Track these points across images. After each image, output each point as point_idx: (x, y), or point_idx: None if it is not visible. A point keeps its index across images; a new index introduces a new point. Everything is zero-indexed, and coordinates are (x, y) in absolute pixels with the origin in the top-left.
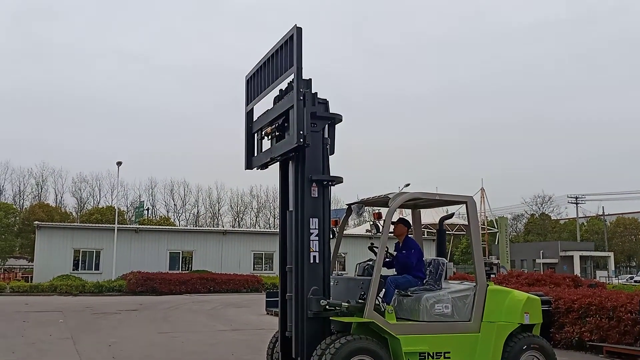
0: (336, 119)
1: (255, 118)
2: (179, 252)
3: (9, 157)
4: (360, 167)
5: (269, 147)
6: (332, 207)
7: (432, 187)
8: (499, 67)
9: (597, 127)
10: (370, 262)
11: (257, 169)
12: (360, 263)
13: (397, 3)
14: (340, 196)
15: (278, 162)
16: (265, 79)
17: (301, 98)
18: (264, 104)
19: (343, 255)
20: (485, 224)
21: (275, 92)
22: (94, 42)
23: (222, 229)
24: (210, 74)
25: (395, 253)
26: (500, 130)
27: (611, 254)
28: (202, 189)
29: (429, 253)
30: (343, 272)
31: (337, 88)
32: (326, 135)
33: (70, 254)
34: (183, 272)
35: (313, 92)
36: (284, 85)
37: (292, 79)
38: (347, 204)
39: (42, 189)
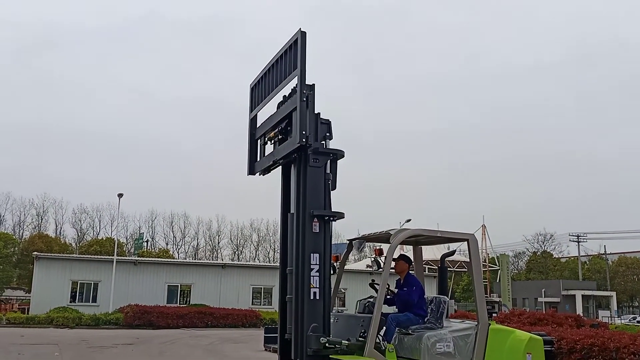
0: (338, 154)
1: (258, 125)
2: (178, 285)
3: (10, 188)
4: (361, 202)
5: (272, 151)
6: (333, 241)
7: (433, 223)
8: (499, 106)
9: (598, 165)
10: (371, 299)
11: (259, 174)
12: (361, 300)
13: (398, 46)
14: (341, 230)
15: (280, 167)
16: (269, 84)
17: (304, 99)
18: (268, 112)
19: (343, 290)
20: (487, 261)
21: (278, 99)
22: (95, 75)
23: (221, 262)
24: (211, 108)
25: (396, 290)
26: (501, 168)
27: (613, 294)
28: (202, 221)
29: (430, 290)
30: (343, 309)
31: (339, 125)
32: (328, 171)
33: (67, 286)
34: (181, 305)
35: (316, 112)
36: (287, 91)
37: (296, 84)
38: (348, 240)
39: (42, 219)
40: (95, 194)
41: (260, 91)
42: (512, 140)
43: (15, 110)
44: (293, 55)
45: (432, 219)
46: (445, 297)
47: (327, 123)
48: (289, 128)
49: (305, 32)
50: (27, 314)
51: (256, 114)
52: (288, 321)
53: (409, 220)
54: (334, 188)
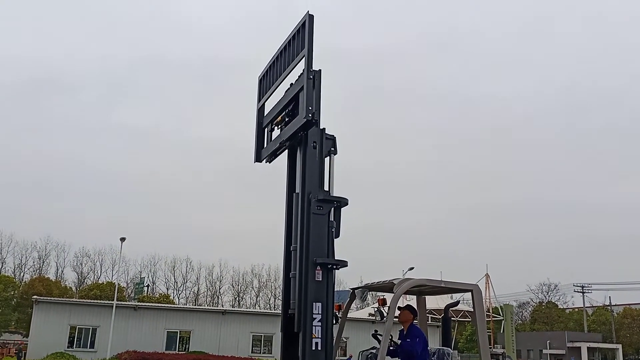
0: (342, 202)
1: (266, 114)
2: (177, 332)
3: (13, 230)
4: (362, 248)
5: (279, 135)
6: (335, 288)
7: (435, 271)
8: (497, 156)
9: (602, 215)
10: (374, 351)
11: (265, 162)
12: (364, 351)
13: (393, 95)
14: (343, 277)
15: (286, 152)
16: (276, 71)
17: (311, 77)
18: (275, 101)
19: (345, 340)
20: (491, 311)
21: (286, 86)
22: (96, 115)
23: (222, 308)
24: (214, 150)
25: (399, 342)
26: (504, 215)
27: (619, 347)
28: (203, 266)
29: (433, 340)
30: (343, 358)
31: (340, 169)
32: (332, 219)
33: (66, 330)
34: (180, 352)
35: (321, 127)
36: (295, 78)
37: (303, 70)
38: (351, 289)
39: (43, 262)
40: (98, 237)
41: (267, 81)
42: (515, 188)
43: (20, 148)
44: (300, 38)
45: (435, 265)
46: (449, 349)
47: (332, 138)
48: (295, 111)
49: (312, 15)
50: (24, 358)
51: (264, 104)
52: None
53: (411, 269)
54: (337, 236)
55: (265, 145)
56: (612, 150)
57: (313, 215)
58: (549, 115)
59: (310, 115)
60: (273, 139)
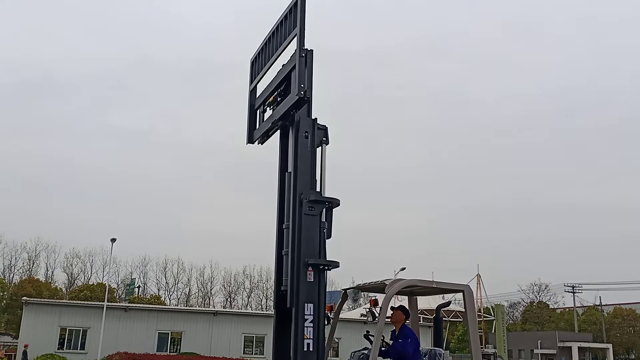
0: (334, 202)
1: (258, 95)
2: (168, 333)
3: (3, 231)
4: (354, 248)
5: (271, 114)
6: (327, 289)
7: (427, 271)
8: (489, 155)
9: (592, 215)
10: (366, 351)
11: (257, 143)
12: (356, 352)
13: (385, 95)
14: (334, 277)
15: (278, 133)
16: (268, 52)
17: (303, 55)
18: (267, 82)
19: (337, 340)
20: (482, 311)
21: (278, 67)
22: (88, 117)
23: (213, 309)
24: (207, 152)
25: (391, 342)
26: (496, 215)
27: (610, 346)
28: (195, 267)
29: (425, 341)
30: (335, 359)
31: (332, 172)
32: (323, 219)
33: (56, 332)
34: (171, 354)
35: (313, 117)
36: (286, 59)
37: (295, 51)
38: (342, 289)
39: (33, 263)
40: (88, 237)
41: (259, 62)
42: (505, 187)
43: (10, 149)
44: (292, 18)
45: (426, 265)
46: (441, 349)
47: (324, 128)
48: (287, 90)
49: None
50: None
51: (256, 86)
52: None
53: (403, 269)
54: (329, 237)
55: (257, 127)
56: (602, 150)
57: (305, 216)
58: (539, 116)
59: (302, 92)
60: (265, 120)
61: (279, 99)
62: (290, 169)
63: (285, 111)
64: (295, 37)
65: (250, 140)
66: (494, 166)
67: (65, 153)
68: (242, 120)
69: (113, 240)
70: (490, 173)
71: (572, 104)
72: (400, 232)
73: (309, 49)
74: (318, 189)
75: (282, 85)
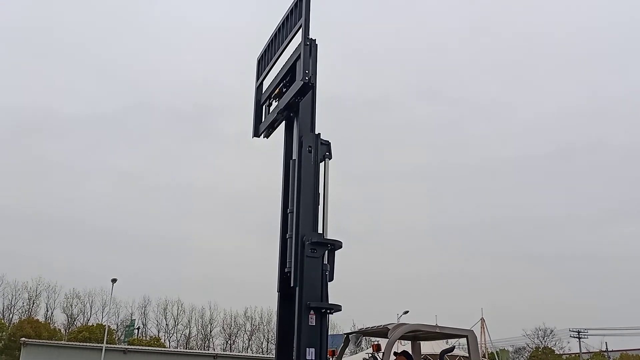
0: (336, 245)
1: (264, 91)
2: None
3: (4, 271)
4: (356, 292)
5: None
6: (329, 333)
7: (430, 316)
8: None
9: (598, 260)
10: None
11: (263, 137)
12: None
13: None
14: (336, 321)
15: (283, 127)
16: (274, 48)
17: (307, 44)
18: (272, 77)
19: None
20: (487, 357)
21: (283, 62)
22: (87, 160)
23: (213, 352)
24: (204, 194)
25: None
26: (499, 261)
27: None
28: (195, 308)
29: None
30: None
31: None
32: (325, 262)
33: None
34: None
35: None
36: (290, 52)
37: (299, 43)
38: (344, 334)
39: (33, 303)
40: (89, 278)
41: (265, 59)
42: (505, 235)
43: (12, 192)
44: (297, 11)
45: (429, 309)
46: None
47: (327, 144)
48: (292, 82)
49: None
50: None
51: (262, 82)
52: None
53: (406, 312)
54: (331, 279)
55: (262, 121)
56: (604, 190)
57: (307, 259)
58: (535, 158)
59: (307, 78)
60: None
61: (284, 90)
62: (294, 156)
63: (290, 99)
64: (301, 29)
65: (256, 133)
66: (494, 209)
67: (62, 195)
68: (242, 161)
69: (114, 280)
70: (492, 219)
71: (567, 144)
72: (403, 276)
73: (313, 38)
74: (320, 226)
75: (287, 77)
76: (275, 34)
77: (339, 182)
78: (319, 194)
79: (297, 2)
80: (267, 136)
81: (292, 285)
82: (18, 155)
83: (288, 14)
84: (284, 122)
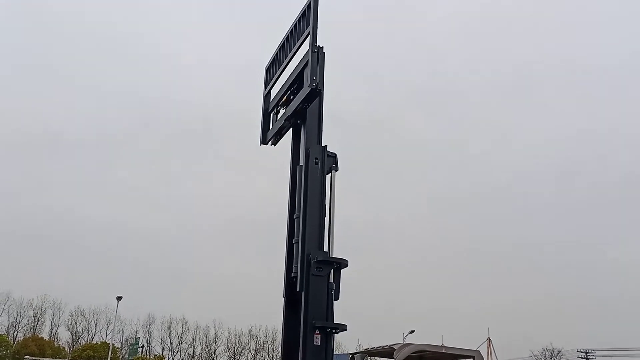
0: (342, 263)
1: (271, 99)
2: None
3: (10, 288)
4: (361, 308)
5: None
6: (334, 352)
7: (436, 335)
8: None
9: (604, 278)
10: None
11: (270, 144)
12: None
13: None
14: (341, 340)
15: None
16: (282, 56)
17: (315, 51)
18: (280, 86)
19: None
20: None
21: (290, 70)
22: (90, 173)
23: None
24: (210, 209)
25: None
26: (506, 276)
27: None
28: (199, 326)
29: None
30: None
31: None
32: (331, 280)
33: None
34: None
35: (323, 145)
36: (299, 59)
37: (307, 51)
38: (350, 354)
39: (38, 320)
40: (94, 296)
41: (274, 68)
42: (514, 252)
43: (15, 207)
44: (305, 19)
45: (435, 327)
46: None
47: (334, 156)
48: (300, 89)
49: None
50: None
51: (269, 90)
52: None
53: (412, 332)
54: (337, 298)
55: (270, 128)
56: (612, 209)
57: (312, 277)
58: (542, 174)
59: (314, 84)
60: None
61: (291, 98)
62: (302, 162)
63: (298, 105)
64: (309, 37)
65: (264, 141)
66: (498, 225)
67: (72, 208)
68: (246, 178)
69: (119, 298)
70: (496, 235)
71: (569, 164)
72: (407, 292)
73: (320, 46)
74: (326, 244)
75: (295, 84)
76: (284, 42)
77: (343, 194)
78: (325, 205)
79: (304, 11)
80: (274, 143)
81: (298, 290)
82: (26, 171)
83: (296, 23)
84: (291, 129)
